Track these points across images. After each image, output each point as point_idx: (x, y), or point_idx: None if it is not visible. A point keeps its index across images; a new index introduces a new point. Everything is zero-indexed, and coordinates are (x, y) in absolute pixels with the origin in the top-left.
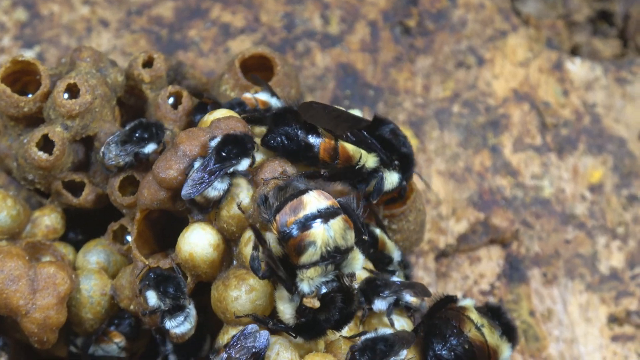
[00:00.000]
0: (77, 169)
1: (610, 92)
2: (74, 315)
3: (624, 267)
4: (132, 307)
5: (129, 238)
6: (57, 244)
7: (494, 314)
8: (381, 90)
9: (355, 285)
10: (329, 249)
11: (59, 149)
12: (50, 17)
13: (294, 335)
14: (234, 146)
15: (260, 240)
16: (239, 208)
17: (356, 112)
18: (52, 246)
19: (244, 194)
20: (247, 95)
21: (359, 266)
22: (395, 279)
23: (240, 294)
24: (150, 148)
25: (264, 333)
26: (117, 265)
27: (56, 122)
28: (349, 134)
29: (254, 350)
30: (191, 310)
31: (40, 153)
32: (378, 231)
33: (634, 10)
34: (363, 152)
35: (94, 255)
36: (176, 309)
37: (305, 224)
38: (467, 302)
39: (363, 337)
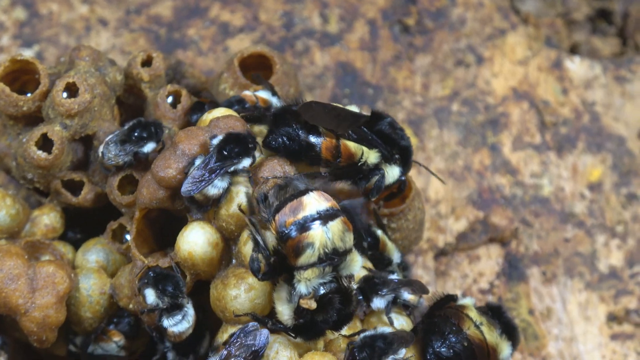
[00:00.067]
0: (76, 168)
1: (609, 90)
2: (73, 314)
3: (623, 266)
4: (131, 306)
5: (128, 237)
6: (57, 243)
7: (495, 313)
8: (380, 88)
9: (354, 285)
10: (327, 250)
11: (58, 148)
12: (49, 16)
13: (293, 335)
14: (235, 145)
15: (256, 238)
16: (240, 209)
17: (353, 108)
18: (51, 245)
19: (243, 193)
20: (247, 93)
21: (358, 268)
22: (392, 277)
23: (240, 292)
24: (149, 147)
25: (264, 331)
26: (116, 264)
27: (55, 121)
28: (350, 131)
29: (253, 348)
30: (189, 309)
31: (40, 152)
32: (379, 232)
33: (633, 9)
34: (364, 148)
35: (93, 254)
36: (174, 308)
37: (304, 225)
38: (466, 301)
39: (362, 335)
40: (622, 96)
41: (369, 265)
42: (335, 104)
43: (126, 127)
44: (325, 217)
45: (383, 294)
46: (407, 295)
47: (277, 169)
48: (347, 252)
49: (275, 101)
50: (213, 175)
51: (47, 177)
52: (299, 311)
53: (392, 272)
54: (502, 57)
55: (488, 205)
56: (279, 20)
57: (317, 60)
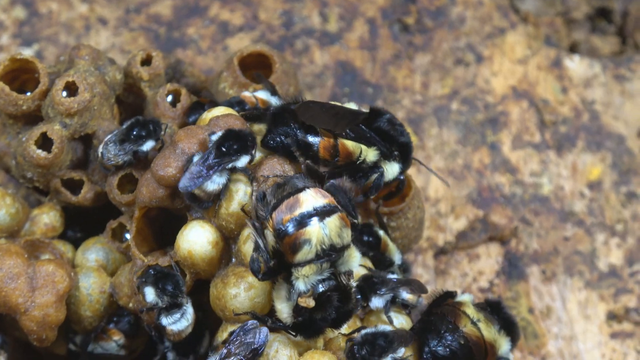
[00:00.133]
0: (76, 166)
1: (609, 89)
2: (73, 313)
3: (622, 264)
4: (131, 304)
5: (127, 236)
6: (56, 242)
7: (494, 309)
8: (380, 87)
9: (353, 282)
10: (324, 247)
11: (58, 147)
12: (48, 15)
13: (292, 333)
14: (234, 142)
15: (257, 240)
16: (243, 210)
17: (352, 106)
18: (51, 244)
19: (243, 191)
20: (247, 94)
21: (356, 264)
22: (391, 276)
23: (239, 291)
24: (148, 146)
25: (264, 329)
26: (116, 263)
27: (55, 120)
28: (348, 130)
29: (253, 346)
30: (188, 307)
31: (39, 151)
32: (381, 232)
33: (632, 8)
34: (363, 147)
35: (93, 253)
36: (173, 307)
37: (301, 222)
38: (464, 298)
39: (363, 332)
40: (622, 95)
41: (368, 263)
42: (333, 103)
43: (124, 127)
44: (322, 213)
45: (381, 293)
46: (406, 295)
47: (276, 167)
48: (344, 247)
49: (274, 101)
50: (211, 171)
51: (47, 176)
52: (297, 309)
53: (393, 273)
54: (501, 56)
55: (488, 204)
56: (279, 19)
57: (317, 59)
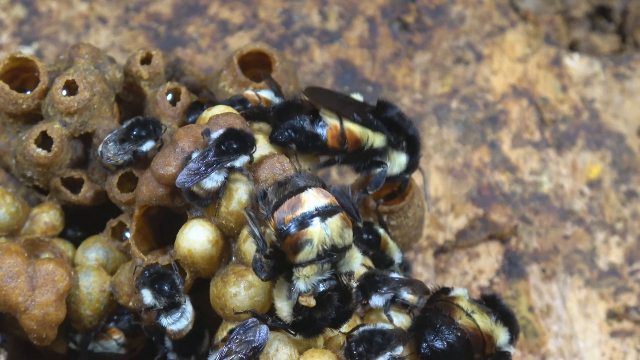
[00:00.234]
0: (76, 165)
1: (608, 87)
2: (73, 312)
3: (622, 263)
4: (131, 303)
5: (127, 235)
6: (56, 241)
7: (489, 303)
8: (379, 86)
9: (354, 283)
10: (325, 247)
11: (58, 146)
12: (48, 14)
13: (292, 332)
14: (234, 141)
15: (253, 230)
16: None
17: (357, 97)
18: (51, 243)
19: (243, 190)
20: (249, 93)
21: (357, 265)
22: (394, 275)
23: (239, 290)
24: (148, 145)
25: (264, 327)
26: (116, 261)
27: (54, 119)
28: (354, 115)
29: (253, 344)
30: (187, 306)
31: (39, 150)
32: (381, 231)
33: (632, 6)
34: (369, 132)
35: (93, 252)
36: (172, 307)
37: (302, 222)
38: (457, 292)
39: (361, 329)
40: (622, 93)
41: (369, 262)
42: (341, 92)
43: (124, 126)
44: (324, 213)
45: (382, 292)
46: (407, 295)
47: (276, 166)
48: (346, 248)
49: (277, 101)
50: (209, 169)
51: (47, 175)
52: (298, 308)
53: (393, 272)
54: (501, 55)
55: (487, 203)
56: (278, 17)
57: (317, 58)
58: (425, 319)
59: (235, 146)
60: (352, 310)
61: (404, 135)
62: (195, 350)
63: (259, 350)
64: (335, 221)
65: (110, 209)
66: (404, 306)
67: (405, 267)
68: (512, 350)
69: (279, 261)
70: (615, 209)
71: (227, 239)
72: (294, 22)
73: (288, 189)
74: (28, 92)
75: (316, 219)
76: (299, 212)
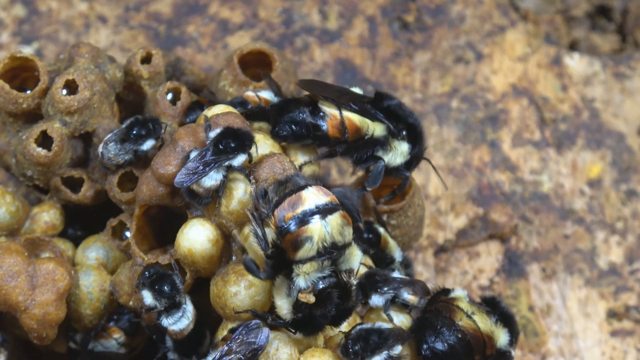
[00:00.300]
0: (76, 165)
1: (608, 87)
2: (73, 311)
3: (622, 262)
4: (131, 303)
5: (128, 234)
6: (56, 240)
7: (489, 304)
8: (380, 85)
9: (354, 281)
10: (325, 244)
11: (58, 145)
12: (48, 13)
13: (292, 331)
14: (232, 140)
15: (255, 229)
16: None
17: (356, 90)
18: (51, 242)
19: (242, 189)
20: (250, 94)
21: (357, 262)
22: (396, 274)
23: (240, 289)
24: (148, 145)
25: (266, 330)
26: (116, 261)
27: (55, 118)
28: (352, 104)
29: (253, 346)
30: (188, 306)
31: (39, 149)
32: (382, 230)
33: (632, 5)
34: (369, 121)
35: (93, 251)
36: (172, 307)
37: (303, 220)
38: (457, 293)
39: (358, 327)
40: (622, 92)
41: (369, 262)
42: (336, 85)
43: (124, 126)
44: (324, 211)
45: (382, 291)
46: (407, 296)
47: (276, 165)
48: (346, 246)
49: (277, 100)
50: (207, 168)
51: (47, 174)
52: (297, 305)
53: (394, 270)
54: (501, 54)
55: (488, 202)
56: (279, 17)
57: (317, 57)
58: (426, 320)
59: (233, 145)
60: (352, 307)
61: (403, 123)
62: (197, 350)
63: (259, 352)
64: (335, 219)
65: (110, 208)
66: (405, 306)
67: (406, 264)
68: (512, 351)
69: (278, 260)
70: (616, 209)
71: (228, 238)
72: (294, 21)
73: (289, 188)
74: (28, 92)
75: (316, 217)
76: (299, 210)
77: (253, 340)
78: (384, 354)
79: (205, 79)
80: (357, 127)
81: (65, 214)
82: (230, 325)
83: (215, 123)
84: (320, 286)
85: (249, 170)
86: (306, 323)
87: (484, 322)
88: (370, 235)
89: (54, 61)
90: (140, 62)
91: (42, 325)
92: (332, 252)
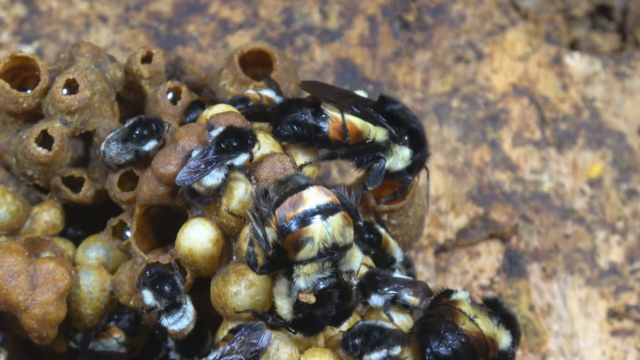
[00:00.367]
0: (77, 164)
1: (609, 86)
2: (74, 311)
3: (623, 262)
4: (131, 302)
5: (128, 233)
6: (57, 240)
7: (491, 306)
8: (380, 85)
9: (354, 281)
10: (326, 245)
11: (58, 145)
12: (49, 13)
13: (293, 331)
14: (234, 139)
15: (256, 229)
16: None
17: (361, 93)
18: (51, 242)
19: (243, 189)
20: (251, 92)
21: (358, 263)
22: (396, 274)
23: (240, 289)
24: (150, 145)
25: (268, 332)
26: (116, 260)
27: (55, 117)
28: (354, 107)
29: (255, 347)
30: (188, 306)
31: (40, 149)
32: (382, 230)
33: (632, 5)
34: (370, 126)
35: (94, 250)
36: (172, 307)
37: (304, 220)
38: (459, 296)
39: (360, 322)
40: (622, 92)
41: (369, 262)
42: (338, 87)
43: (127, 125)
44: (325, 211)
45: (382, 292)
46: (408, 297)
47: (277, 165)
48: (347, 247)
49: (279, 101)
50: (209, 167)
51: (47, 174)
52: (298, 306)
53: (395, 270)
54: (502, 53)
55: (488, 202)
56: (279, 16)
57: (317, 57)
58: (429, 324)
59: (235, 144)
60: (353, 308)
61: (406, 128)
62: (199, 351)
63: (260, 354)
64: (336, 219)
65: (110, 208)
66: (405, 307)
67: (407, 264)
68: (514, 353)
69: (279, 259)
70: (616, 208)
71: (228, 238)
72: (295, 20)
73: (289, 187)
74: (29, 91)
75: (317, 217)
76: (300, 210)
77: (255, 341)
78: (384, 352)
79: (206, 78)
80: (359, 131)
81: (66, 214)
82: (231, 325)
83: (216, 122)
84: (321, 287)
85: (250, 169)
86: (307, 323)
87: (486, 325)
88: (371, 236)
89: (55, 60)
90: (141, 61)
91: (43, 325)
92: (333, 253)
